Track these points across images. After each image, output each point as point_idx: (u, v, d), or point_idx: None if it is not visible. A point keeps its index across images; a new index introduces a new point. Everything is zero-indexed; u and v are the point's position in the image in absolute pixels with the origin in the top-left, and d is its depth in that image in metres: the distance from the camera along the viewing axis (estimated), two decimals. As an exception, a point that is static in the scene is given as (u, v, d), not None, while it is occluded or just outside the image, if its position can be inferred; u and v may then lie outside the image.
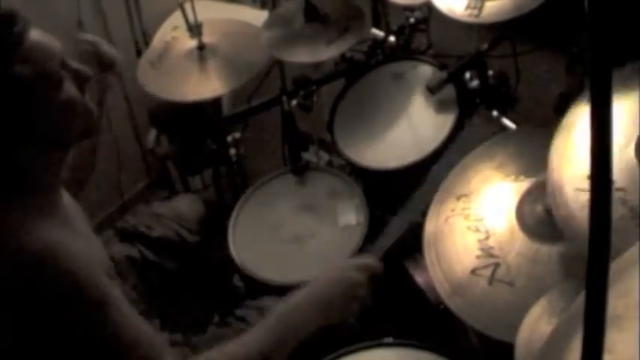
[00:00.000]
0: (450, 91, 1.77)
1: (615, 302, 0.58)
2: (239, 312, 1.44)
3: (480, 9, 1.60)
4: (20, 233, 1.03)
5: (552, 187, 1.08)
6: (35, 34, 1.09)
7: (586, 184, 1.02)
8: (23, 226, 1.05)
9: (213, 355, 1.16)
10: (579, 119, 1.14)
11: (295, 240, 1.73)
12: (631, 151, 1.01)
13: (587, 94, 1.20)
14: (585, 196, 1.01)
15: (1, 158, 1.10)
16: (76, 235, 1.14)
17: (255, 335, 1.18)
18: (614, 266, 0.64)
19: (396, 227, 1.42)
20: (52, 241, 1.04)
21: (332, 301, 1.24)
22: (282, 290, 1.57)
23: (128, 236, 1.61)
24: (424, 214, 1.39)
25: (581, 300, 0.55)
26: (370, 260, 1.32)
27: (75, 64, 1.16)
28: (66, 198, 1.23)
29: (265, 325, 1.20)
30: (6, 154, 1.10)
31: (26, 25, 1.08)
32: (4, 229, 1.05)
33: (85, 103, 1.17)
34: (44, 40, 1.11)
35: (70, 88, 1.13)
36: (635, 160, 0.99)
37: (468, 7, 1.63)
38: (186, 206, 1.75)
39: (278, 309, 1.22)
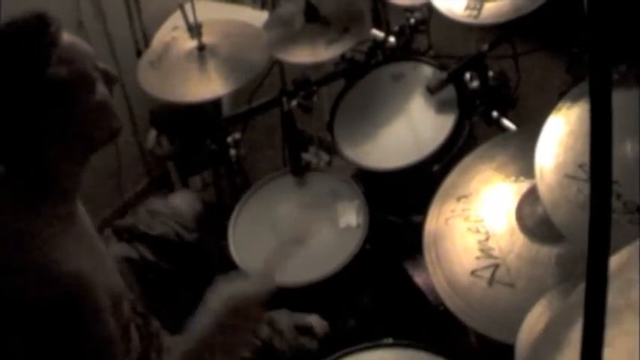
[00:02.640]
0: (450, 91, 1.77)
1: (615, 296, 0.58)
2: None
3: (479, 10, 1.60)
4: (46, 250, 1.04)
5: (540, 172, 1.09)
6: (68, 36, 1.09)
7: (577, 172, 1.03)
8: (48, 242, 1.05)
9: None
10: (573, 108, 1.15)
11: (295, 240, 1.73)
12: (626, 145, 1.02)
13: (579, 86, 1.21)
14: (575, 184, 1.02)
15: (34, 159, 1.10)
16: (92, 258, 1.14)
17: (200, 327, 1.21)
18: (614, 260, 0.64)
19: None
20: (73, 270, 1.04)
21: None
22: (285, 293, 1.58)
23: (126, 236, 1.61)
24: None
25: (579, 290, 0.55)
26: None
27: (104, 66, 1.16)
28: (80, 208, 1.23)
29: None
30: (40, 156, 1.09)
31: (60, 25, 1.07)
32: (29, 238, 1.05)
33: (113, 104, 1.17)
34: (77, 41, 1.11)
35: (102, 90, 1.13)
36: (630, 154, 1.00)
37: (467, 8, 1.63)
38: (183, 203, 1.74)
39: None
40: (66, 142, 1.10)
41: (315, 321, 1.50)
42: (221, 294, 1.23)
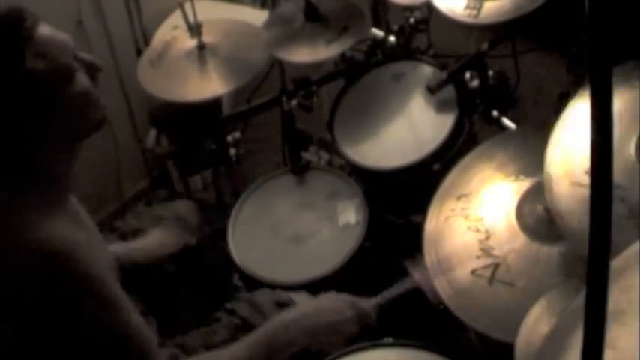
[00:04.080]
0: (449, 91, 1.77)
1: (618, 297, 0.59)
2: (229, 305, 1.45)
3: (479, 9, 1.60)
4: (34, 228, 1.04)
5: (548, 180, 1.08)
6: (45, 29, 1.09)
7: (583, 179, 1.03)
8: (37, 221, 1.05)
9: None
10: (579, 114, 1.14)
11: (295, 240, 1.74)
12: (629, 148, 1.01)
13: (586, 89, 1.20)
14: (582, 191, 1.02)
15: (18, 152, 1.10)
16: (86, 233, 1.15)
17: (238, 348, 1.22)
18: (617, 261, 0.64)
19: (403, 284, 1.46)
20: (66, 238, 1.05)
21: (318, 329, 1.26)
22: (280, 289, 1.58)
23: (127, 237, 1.61)
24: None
25: (581, 296, 0.55)
26: (367, 305, 1.33)
27: (86, 56, 1.17)
28: (75, 202, 1.24)
29: (250, 340, 1.22)
30: (23, 148, 1.10)
31: (36, 19, 1.08)
32: (19, 223, 1.05)
33: (97, 94, 1.17)
34: (54, 33, 1.11)
35: (83, 80, 1.14)
36: (633, 158, 1.00)
37: (467, 7, 1.63)
38: (185, 209, 1.75)
39: (266, 326, 1.25)
40: (50, 134, 1.11)
41: (299, 297, 1.49)
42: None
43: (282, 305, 1.44)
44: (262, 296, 1.47)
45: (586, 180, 1.03)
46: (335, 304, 1.30)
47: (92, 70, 1.17)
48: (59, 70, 1.09)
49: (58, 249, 1.02)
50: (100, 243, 1.23)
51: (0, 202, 1.09)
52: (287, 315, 1.27)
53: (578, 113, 1.15)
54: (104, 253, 1.21)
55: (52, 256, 1.02)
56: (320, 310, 1.28)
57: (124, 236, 1.62)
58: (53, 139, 1.12)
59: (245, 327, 1.38)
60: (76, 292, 1.04)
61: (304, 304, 1.30)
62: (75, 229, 1.11)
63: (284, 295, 1.49)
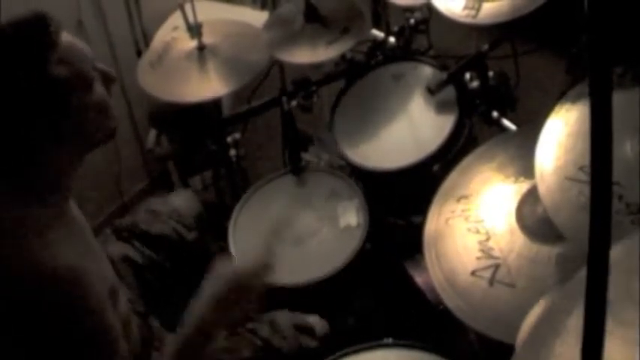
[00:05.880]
0: (450, 91, 1.77)
1: (615, 287, 0.59)
2: (250, 325, 1.45)
3: (478, 10, 1.60)
4: (37, 248, 1.04)
5: (541, 174, 1.09)
6: (67, 36, 1.10)
7: (577, 174, 1.03)
8: (40, 240, 1.05)
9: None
10: (572, 110, 1.15)
11: (296, 240, 1.73)
12: (626, 146, 1.01)
13: (578, 87, 1.21)
14: (576, 187, 1.02)
15: (27, 157, 1.10)
16: (86, 252, 1.15)
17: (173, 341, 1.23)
18: (615, 251, 0.64)
19: None
20: (68, 264, 1.04)
21: (222, 303, 1.22)
22: (285, 293, 1.58)
23: (125, 235, 1.61)
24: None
25: (575, 280, 0.56)
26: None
27: (102, 66, 1.17)
28: (73, 206, 1.23)
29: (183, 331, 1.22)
30: (32, 153, 1.10)
31: (59, 26, 1.08)
32: (21, 240, 1.05)
33: (111, 104, 1.17)
34: (76, 41, 1.12)
35: (100, 90, 1.14)
36: (630, 155, 1.00)
37: (465, 7, 1.62)
38: (182, 202, 1.74)
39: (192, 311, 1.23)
40: (62, 142, 1.10)
41: (314, 321, 1.50)
42: (221, 272, 1.24)
43: (300, 329, 1.46)
44: (282, 318, 1.48)
45: (579, 176, 1.03)
46: (240, 274, 1.26)
47: (107, 80, 1.17)
48: (80, 77, 1.09)
49: (61, 272, 1.02)
50: (96, 257, 1.22)
51: (3, 205, 1.09)
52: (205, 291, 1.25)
53: (570, 110, 1.15)
54: (104, 272, 1.21)
55: (53, 278, 1.02)
56: (215, 291, 1.25)
57: (123, 235, 1.62)
58: (63, 148, 1.11)
59: (265, 348, 1.40)
60: (70, 318, 1.04)
61: (215, 278, 1.28)
62: (78, 251, 1.10)
63: (300, 318, 1.50)
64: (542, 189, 1.09)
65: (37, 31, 1.05)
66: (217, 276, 1.24)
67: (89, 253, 1.16)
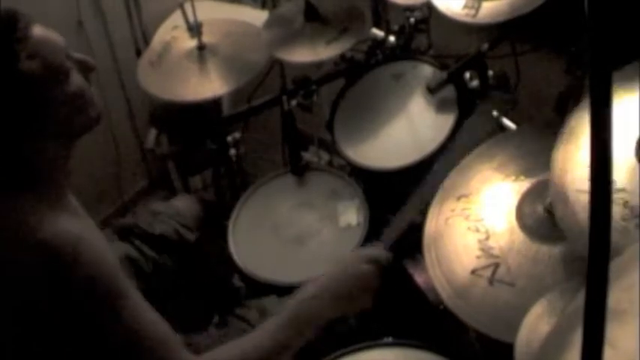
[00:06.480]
0: (450, 91, 1.77)
1: (619, 296, 0.59)
2: (239, 311, 1.45)
3: (477, 9, 1.60)
4: (36, 225, 1.04)
5: (555, 188, 1.08)
6: (38, 30, 1.09)
7: (587, 186, 1.02)
8: (39, 218, 1.05)
9: (221, 351, 1.17)
10: (583, 121, 1.14)
11: (296, 240, 1.74)
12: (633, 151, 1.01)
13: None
14: (586, 197, 1.01)
15: (14, 153, 1.10)
16: (87, 226, 1.15)
17: (267, 327, 1.20)
18: (618, 260, 0.64)
19: (401, 221, 1.42)
20: (71, 232, 1.05)
21: (346, 293, 1.24)
22: (282, 290, 1.58)
23: (126, 234, 1.61)
24: (424, 213, 1.39)
25: (581, 296, 0.55)
26: (378, 251, 1.32)
27: (78, 55, 1.17)
28: (75, 204, 1.24)
29: (280, 317, 1.21)
30: (18, 149, 1.10)
31: (29, 21, 1.09)
32: (20, 221, 1.05)
33: (91, 92, 1.18)
34: (47, 34, 1.11)
35: (77, 79, 1.14)
36: (636, 161, 0.99)
37: (465, 6, 1.62)
38: (184, 205, 1.75)
39: (294, 300, 1.23)
40: (45, 134, 1.11)
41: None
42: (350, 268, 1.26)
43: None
44: (271, 304, 1.47)
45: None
46: (353, 264, 1.28)
47: (85, 69, 1.17)
48: (53, 70, 1.09)
49: (63, 244, 1.03)
50: (102, 238, 1.23)
51: None
52: (311, 287, 1.25)
53: (582, 120, 1.14)
54: (107, 246, 1.21)
55: (57, 252, 1.02)
56: (342, 275, 1.26)
57: (124, 235, 1.62)
58: (48, 139, 1.12)
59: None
60: (85, 285, 1.03)
61: (325, 275, 1.28)
62: (77, 223, 1.11)
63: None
64: (556, 202, 1.07)
65: (4, 27, 1.06)
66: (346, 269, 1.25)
67: (93, 232, 1.17)
